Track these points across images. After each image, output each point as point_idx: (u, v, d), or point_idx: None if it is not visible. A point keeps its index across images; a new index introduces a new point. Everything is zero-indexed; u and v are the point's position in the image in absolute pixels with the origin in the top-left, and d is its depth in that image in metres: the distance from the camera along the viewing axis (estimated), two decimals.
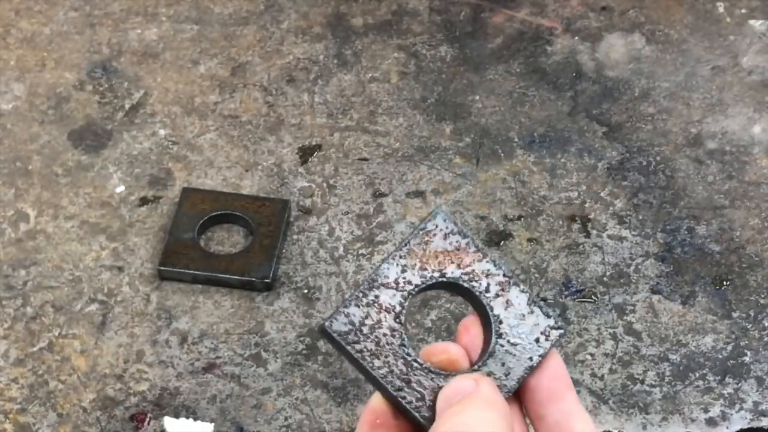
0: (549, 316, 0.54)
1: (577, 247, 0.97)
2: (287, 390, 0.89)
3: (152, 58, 1.11)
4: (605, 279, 0.95)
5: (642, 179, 1.02)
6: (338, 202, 1.00)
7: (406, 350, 0.52)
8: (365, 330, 0.51)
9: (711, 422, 0.87)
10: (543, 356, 0.53)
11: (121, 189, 1.01)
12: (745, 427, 0.87)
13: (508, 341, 0.53)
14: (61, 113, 1.06)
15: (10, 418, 0.87)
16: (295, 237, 0.98)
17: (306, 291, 0.94)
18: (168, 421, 0.86)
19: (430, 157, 1.04)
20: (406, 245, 0.53)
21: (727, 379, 0.90)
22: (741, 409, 0.88)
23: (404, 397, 0.51)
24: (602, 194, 1.01)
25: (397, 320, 0.52)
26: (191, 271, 0.94)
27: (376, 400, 0.52)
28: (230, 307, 0.93)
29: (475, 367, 0.53)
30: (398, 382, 0.51)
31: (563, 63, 1.11)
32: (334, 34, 1.14)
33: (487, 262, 0.54)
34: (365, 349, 0.51)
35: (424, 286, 0.53)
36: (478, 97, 1.09)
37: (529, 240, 0.98)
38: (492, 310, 0.53)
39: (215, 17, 1.15)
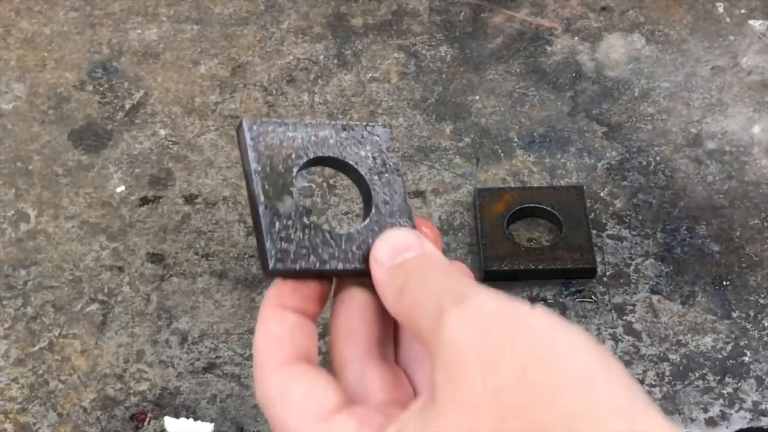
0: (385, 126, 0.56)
1: None
2: None
3: (152, 58, 1.11)
4: (605, 279, 0.95)
5: (642, 179, 1.02)
6: (338, 202, 1.00)
7: (312, 224, 0.52)
8: (292, 245, 0.51)
9: (711, 422, 0.87)
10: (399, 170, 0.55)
11: (121, 189, 1.01)
12: (745, 426, 0.87)
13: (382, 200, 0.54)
14: (62, 113, 1.06)
15: (11, 418, 0.87)
16: None
17: None
18: (168, 421, 0.86)
19: (430, 157, 1.04)
20: (257, 179, 0.51)
21: (726, 378, 0.90)
22: (741, 408, 0.88)
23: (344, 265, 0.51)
24: (602, 194, 1.01)
25: (308, 218, 0.52)
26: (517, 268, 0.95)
27: (278, 283, 0.51)
28: (230, 307, 0.93)
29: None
30: (326, 257, 0.51)
31: (563, 63, 1.12)
32: (334, 34, 1.14)
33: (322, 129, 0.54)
34: (309, 258, 0.51)
35: (301, 166, 0.53)
36: (478, 97, 1.09)
37: (529, 240, 0.98)
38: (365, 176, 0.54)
39: (215, 17, 1.15)
